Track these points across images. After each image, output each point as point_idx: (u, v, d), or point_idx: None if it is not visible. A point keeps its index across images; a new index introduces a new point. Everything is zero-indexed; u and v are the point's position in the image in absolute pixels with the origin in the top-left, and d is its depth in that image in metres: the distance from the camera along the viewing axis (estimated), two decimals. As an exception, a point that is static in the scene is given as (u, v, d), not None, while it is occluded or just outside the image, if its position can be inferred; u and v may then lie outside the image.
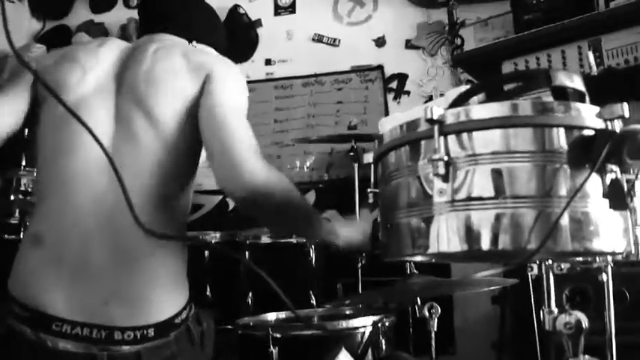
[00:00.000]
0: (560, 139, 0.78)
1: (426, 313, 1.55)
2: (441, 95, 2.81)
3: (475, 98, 0.89)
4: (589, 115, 0.79)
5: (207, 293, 2.09)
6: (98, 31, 3.53)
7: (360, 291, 2.18)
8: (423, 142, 0.83)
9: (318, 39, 3.23)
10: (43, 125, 1.24)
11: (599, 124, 0.79)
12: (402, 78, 3.04)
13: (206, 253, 2.11)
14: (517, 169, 0.77)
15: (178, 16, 1.44)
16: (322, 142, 2.78)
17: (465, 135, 0.79)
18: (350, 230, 1.31)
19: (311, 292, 2.07)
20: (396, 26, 3.11)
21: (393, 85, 3.04)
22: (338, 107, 3.07)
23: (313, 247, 2.10)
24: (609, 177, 0.78)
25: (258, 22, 3.35)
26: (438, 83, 2.98)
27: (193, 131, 1.20)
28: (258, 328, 1.70)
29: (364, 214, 1.55)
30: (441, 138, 0.80)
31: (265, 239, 2.16)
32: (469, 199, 0.78)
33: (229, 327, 1.74)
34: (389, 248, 0.90)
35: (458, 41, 2.59)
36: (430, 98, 2.94)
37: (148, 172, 1.18)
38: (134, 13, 3.08)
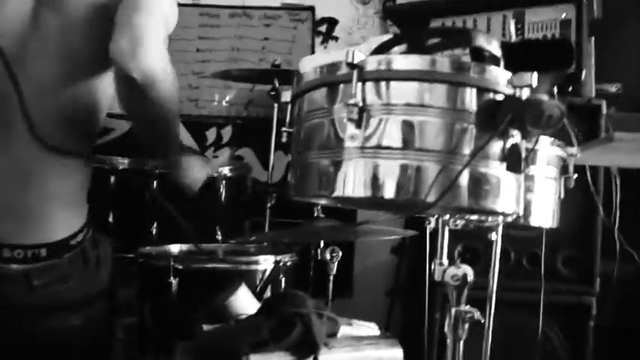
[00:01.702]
0: (471, 99, 0.80)
1: (328, 256, 1.60)
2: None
3: (397, 49, 0.89)
4: (501, 80, 0.82)
5: (110, 220, 2.02)
6: None
7: (267, 230, 2.20)
8: (341, 86, 0.83)
9: (251, -32, 3.08)
10: None
11: (509, 90, 0.82)
12: (331, 23, 2.99)
13: (112, 178, 2.03)
14: (427, 124, 0.79)
15: None
16: (243, 79, 2.69)
17: (382, 83, 0.80)
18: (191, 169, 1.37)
19: (217, 228, 2.06)
20: (333, -33, 3.03)
21: (323, 28, 2.99)
22: (264, 44, 2.99)
23: (224, 182, 2.08)
24: (510, 141, 0.82)
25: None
26: (367, 33, 2.95)
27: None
28: (160, 258, 1.68)
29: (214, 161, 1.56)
30: (359, 84, 0.80)
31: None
32: (379, 147, 0.79)
33: (130, 256, 1.70)
34: (297, 187, 0.91)
35: (391, -7, 2.59)
36: (357, 47, 2.92)
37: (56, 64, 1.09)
38: None
